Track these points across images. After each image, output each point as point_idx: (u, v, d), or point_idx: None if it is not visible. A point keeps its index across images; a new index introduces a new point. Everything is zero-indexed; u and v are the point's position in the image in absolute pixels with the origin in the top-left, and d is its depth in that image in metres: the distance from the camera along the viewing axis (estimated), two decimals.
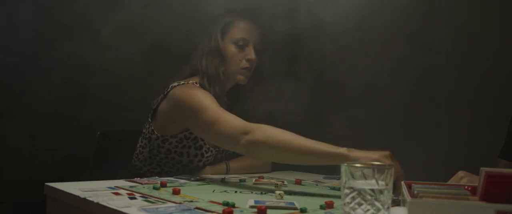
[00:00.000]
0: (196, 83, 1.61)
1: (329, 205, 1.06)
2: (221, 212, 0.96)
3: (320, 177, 1.73)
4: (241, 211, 1.00)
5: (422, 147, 1.80)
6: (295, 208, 1.04)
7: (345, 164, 0.85)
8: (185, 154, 1.61)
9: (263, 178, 1.60)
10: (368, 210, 0.82)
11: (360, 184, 0.83)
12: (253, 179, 1.54)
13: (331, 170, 1.70)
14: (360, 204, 0.82)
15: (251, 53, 1.61)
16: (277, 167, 1.97)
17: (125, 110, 2.19)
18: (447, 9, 1.79)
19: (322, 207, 1.07)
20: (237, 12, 1.65)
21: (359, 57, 2.02)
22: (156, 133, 1.63)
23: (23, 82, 2.22)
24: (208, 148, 1.63)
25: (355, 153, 1.23)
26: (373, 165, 0.84)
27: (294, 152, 1.30)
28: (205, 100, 1.49)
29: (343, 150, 1.25)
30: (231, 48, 1.61)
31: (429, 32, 1.83)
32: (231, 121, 1.41)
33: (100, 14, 2.28)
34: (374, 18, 1.94)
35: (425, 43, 1.84)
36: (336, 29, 2.04)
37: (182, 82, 1.59)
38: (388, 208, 0.83)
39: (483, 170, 0.88)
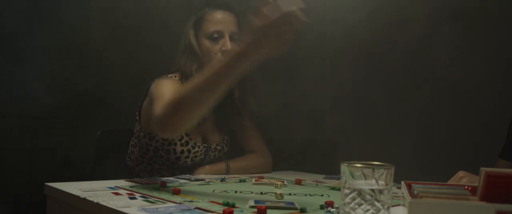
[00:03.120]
0: (175, 76, 1.58)
1: (329, 205, 1.06)
2: (221, 212, 0.97)
3: (320, 177, 1.73)
4: (241, 211, 1.00)
5: (422, 146, 1.80)
6: (295, 208, 1.04)
7: (345, 164, 0.85)
8: (172, 151, 1.59)
9: (263, 178, 1.60)
10: (368, 210, 0.82)
11: (360, 184, 0.83)
12: (253, 179, 1.54)
13: (331, 170, 1.70)
14: (360, 204, 0.82)
15: (226, 44, 1.55)
16: (277, 167, 1.97)
17: (125, 109, 2.19)
18: (446, 9, 1.79)
19: (322, 207, 1.07)
20: (209, 4, 1.60)
21: (359, 56, 2.02)
22: (143, 131, 1.62)
23: (23, 82, 2.22)
24: (195, 144, 1.63)
25: (246, 47, 1.04)
26: (373, 165, 0.84)
27: (200, 88, 1.14)
28: (166, 89, 1.44)
29: (234, 50, 1.08)
30: (206, 43, 1.57)
31: (429, 32, 1.83)
32: (158, 102, 1.34)
33: (99, 16, 2.29)
34: (373, 17, 1.94)
35: (425, 43, 1.84)
36: (334, 29, 2.04)
37: (163, 76, 1.57)
38: (388, 208, 0.83)
39: (483, 170, 0.88)
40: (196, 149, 1.63)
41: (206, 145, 1.68)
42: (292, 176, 1.71)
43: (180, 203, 1.07)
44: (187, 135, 1.61)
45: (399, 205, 1.11)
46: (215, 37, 1.57)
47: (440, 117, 1.79)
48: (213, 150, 1.71)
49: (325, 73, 2.12)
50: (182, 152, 1.60)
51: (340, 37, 2.05)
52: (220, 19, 1.57)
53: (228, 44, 1.55)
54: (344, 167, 0.85)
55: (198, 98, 1.15)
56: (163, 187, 1.31)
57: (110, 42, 2.22)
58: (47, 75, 2.21)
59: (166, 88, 1.47)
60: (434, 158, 1.75)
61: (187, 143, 1.61)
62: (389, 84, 1.93)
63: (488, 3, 1.69)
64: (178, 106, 1.17)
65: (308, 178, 1.68)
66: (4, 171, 2.23)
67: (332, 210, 1.03)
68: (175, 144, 1.59)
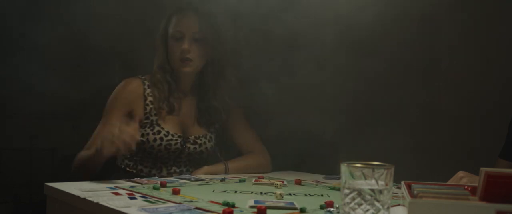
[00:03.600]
0: (144, 77, 1.76)
1: (329, 205, 1.06)
2: (221, 212, 0.97)
3: (320, 177, 1.73)
4: (241, 211, 1.00)
5: (422, 146, 1.80)
6: (295, 208, 1.04)
7: (345, 164, 0.85)
8: (146, 141, 1.69)
9: (263, 178, 1.60)
10: (368, 210, 0.82)
11: (360, 184, 0.83)
12: (253, 179, 1.54)
13: (331, 170, 1.70)
14: (360, 204, 0.82)
15: (184, 44, 1.70)
16: (277, 167, 1.97)
17: None
18: (447, 9, 1.79)
19: (322, 207, 1.07)
20: (179, 8, 1.77)
21: (359, 56, 2.02)
22: None
23: (23, 82, 2.22)
24: (168, 132, 1.71)
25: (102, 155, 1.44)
26: (372, 165, 0.84)
27: (87, 163, 1.53)
28: (113, 102, 1.71)
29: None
30: (171, 43, 1.74)
31: (429, 32, 1.83)
32: (94, 135, 1.65)
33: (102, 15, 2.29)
34: (373, 17, 1.94)
35: (425, 43, 1.84)
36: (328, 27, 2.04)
37: (131, 77, 1.76)
38: (388, 208, 0.83)
39: (483, 170, 0.88)
40: (170, 137, 1.71)
41: (181, 135, 1.74)
42: (292, 176, 1.71)
43: (180, 203, 1.07)
44: (158, 124, 1.71)
45: (399, 205, 1.11)
46: (178, 38, 1.72)
47: (440, 116, 1.79)
48: (192, 142, 1.75)
49: (325, 73, 2.12)
50: (154, 140, 1.68)
51: (340, 37, 2.05)
52: (182, 21, 1.73)
53: (186, 44, 1.70)
54: (344, 167, 0.85)
55: (85, 167, 1.55)
56: (163, 187, 1.31)
57: (111, 42, 2.22)
58: (47, 75, 2.21)
59: (110, 111, 1.71)
60: (434, 158, 1.75)
61: (159, 132, 1.70)
62: (389, 84, 1.93)
63: (488, 3, 1.69)
64: (76, 166, 1.58)
65: (308, 178, 1.68)
66: (4, 171, 2.23)
67: (332, 210, 1.03)
68: (148, 134, 1.69)
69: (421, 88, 1.85)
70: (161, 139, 1.69)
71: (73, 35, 2.26)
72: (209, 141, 1.81)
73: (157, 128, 1.70)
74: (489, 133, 1.64)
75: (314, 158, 2.03)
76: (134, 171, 1.73)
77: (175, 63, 1.74)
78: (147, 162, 1.73)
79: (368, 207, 0.82)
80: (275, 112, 2.14)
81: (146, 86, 1.74)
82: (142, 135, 1.68)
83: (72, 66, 2.28)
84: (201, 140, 1.78)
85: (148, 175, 1.71)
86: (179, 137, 1.73)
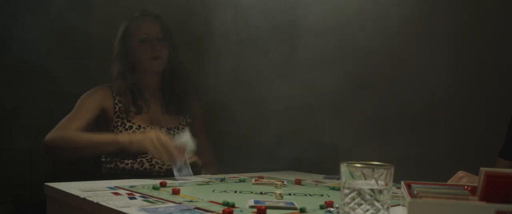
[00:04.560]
0: (109, 84, 1.85)
1: (329, 205, 1.06)
2: (221, 212, 0.97)
3: (320, 177, 1.73)
4: (241, 211, 1.00)
5: (422, 146, 1.80)
6: (295, 208, 1.04)
7: (345, 164, 0.85)
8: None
9: (263, 178, 1.60)
10: (367, 210, 0.82)
11: (360, 184, 0.83)
12: (253, 179, 1.54)
13: (331, 170, 1.70)
14: (359, 204, 0.82)
15: (154, 46, 1.82)
16: (277, 167, 1.97)
17: None
18: (446, 8, 1.79)
19: (322, 207, 1.07)
20: (134, 15, 1.90)
21: (359, 56, 2.02)
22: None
23: (23, 82, 2.22)
24: (139, 126, 1.80)
25: (123, 137, 1.63)
26: (372, 165, 0.84)
27: (79, 145, 1.63)
28: (84, 98, 1.80)
29: (113, 137, 1.65)
30: (136, 46, 1.83)
31: (428, 31, 1.83)
32: (68, 118, 1.73)
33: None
34: (373, 17, 1.94)
35: (424, 43, 1.84)
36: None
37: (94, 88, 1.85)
38: (388, 208, 0.83)
39: (483, 170, 0.88)
40: (142, 130, 1.79)
41: (153, 127, 1.81)
42: (292, 176, 1.71)
43: (180, 203, 1.07)
44: (128, 120, 1.80)
45: (399, 205, 1.11)
46: (144, 40, 1.83)
47: (439, 116, 1.79)
48: (165, 133, 1.79)
49: (325, 73, 2.12)
50: (129, 134, 1.75)
51: (340, 38, 2.05)
52: (146, 24, 1.85)
53: (155, 44, 1.82)
54: (344, 167, 0.85)
55: (79, 152, 1.68)
56: (163, 187, 1.31)
57: (111, 43, 2.23)
58: (47, 75, 2.20)
59: (82, 104, 1.79)
60: (434, 158, 1.75)
61: (130, 127, 1.79)
62: (389, 84, 1.93)
63: (488, 3, 1.69)
64: (63, 146, 1.64)
65: (308, 178, 1.68)
66: (4, 171, 2.23)
67: (332, 210, 1.03)
68: (121, 131, 1.78)
69: (421, 89, 1.85)
70: (134, 132, 1.77)
71: (72, 32, 2.26)
72: (182, 131, 1.86)
73: (128, 124, 1.79)
74: (489, 133, 1.63)
75: (314, 158, 2.03)
76: (117, 172, 1.75)
77: (145, 64, 1.84)
78: (128, 159, 1.76)
79: (368, 207, 0.82)
80: (275, 112, 2.14)
81: (113, 89, 1.84)
82: (115, 133, 1.76)
83: (72, 66, 2.28)
84: (174, 131, 1.87)
85: (131, 172, 1.74)
86: (151, 128, 1.79)
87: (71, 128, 1.69)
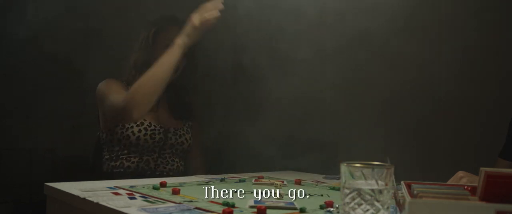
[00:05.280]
0: (123, 82, 1.85)
1: (329, 205, 1.06)
2: (221, 212, 0.97)
3: (320, 177, 1.73)
4: (241, 211, 1.00)
5: (422, 146, 1.80)
6: (295, 208, 1.04)
7: (345, 164, 0.85)
8: (131, 134, 1.78)
9: (263, 178, 1.60)
10: (367, 210, 0.82)
11: (360, 184, 0.83)
12: (253, 179, 1.54)
13: (331, 170, 1.70)
14: (359, 204, 0.82)
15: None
16: (277, 167, 1.97)
17: None
18: (446, 9, 1.79)
19: (322, 207, 1.07)
20: (167, 18, 1.92)
21: (356, 55, 2.02)
22: (103, 132, 1.85)
23: (23, 82, 2.22)
24: (151, 123, 1.82)
25: (178, 40, 1.68)
26: (372, 165, 0.84)
27: (157, 76, 1.66)
28: (114, 86, 1.80)
29: (173, 50, 1.68)
30: (162, 50, 1.78)
31: (429, 31, 1.83)
32: (115, 96, 1.72)
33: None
34: (365, 16, 1.94)
35: (425, 43, 1.84)
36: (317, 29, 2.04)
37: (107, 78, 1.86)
38: (388, 208, 0.83)
39: (483, 170, 0.88)
40: (153, 127, 1.81)
41: (162, 125, 1.85)
42: (292, 176, 1.71)
43: (180, 203, 1.07)
44: None
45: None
46: (167, 45, 1.79)
47: (440, 117, 1.79)
48: (173, 133, 1.87)
49: (325, 72, 2.12)
50: (139, 131, 1.78)
51: (340, 37, 2.05)
52: (171, 33, 1.82)
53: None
54: (344, 167, 0.85)
55: (156, 82, 1.67)
56: (163, 187, 1.31)
57: (111, 43, 2.23)
58: (46, 75, 2.21)
59: (114, 85, 1.80)
60: (434, 158, 1.75)
61: (142, 123, 1.80)
62: (389, 84, 1.93)
63: (489, 4, 1.69)
64: (142, 90, 1.64)
65: (308, 178, 1.68)
66: (4, 171, 2.23)
67: (332, 210, 1.03)
68: (132, 127, 1.78)
69: (421, 88, 1.85)
70: (146, 129, 1.79)
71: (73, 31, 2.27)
72: (187, 133, 1.92)
73: (140, 120, 1.79)
74: (489, 133, 1.64)
75: (314, 158, 2.03)
76: (121, 170, 1.77)
77: None
78: (134, 157, 1.79)
79: (368, 207, 0.82)
80: (275, 111, 2.14)
81: (124, 84, 1.85)
82: (127, 129, 1.78)
83: (72, 66, 2.28)
84: (180, 132, 1.90)
85: (136, 171, 1.77)
86: (161, 127, 1.84)
87: (124, 93, 1.70)
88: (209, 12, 1.65)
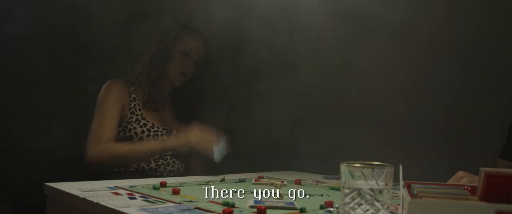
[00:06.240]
0: (124, 80, 1.86)
1: (329, 205, 1.06)
2: (221, 212, 0.97)
3: (320, 177, 1.73)
4: (241, 211, 1.00)
5: (422, 147, 1.80)
6: (295, 208, 1.04)
7: (345, 164, 0.85)
8: (134, 135, 1.79)
9: (263, 178, 1.60)
10: (367, 210, 0.82)
11: (360, 184, 0.83)
12: (253, 179, 1.54)
13: (331, 170, 1.70)
14: (359, 204, 0.82)
15: (191, 64, 1.88)
16: (277, 167, 1.97)
17: None
18: (446, 9, 1.79)
19: (322, 207, 1.07)
20: (188, 27, 1.94)
21: (360, 56, 2.02)
22: None
23: (23, 82, 2.22)
24: (153, 125, 1.84)
25: (170, 141, 1.72)
26: (372, 165, 0.84)
27: (130, 157, 1.73)
28: (105, 97, 1.79)
29: (162, 143, 1.73)
30: (176, 55, 1.87)
31: (429, 32, 1.83)
32: (99, 126, 1.73)
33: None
34: (369, 17, 1.94)
35: (424, 43, 1.84)
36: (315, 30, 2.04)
37: (111, 80, 1.86)
38: (388, 208, 0.83)
39: (483, 170, 0.88)
40: (155, 128, 1.83)
41: (164, 127, 1.86)
42: (292, 176, 1.71)
43: (180, 203, 1.07)
44: (143, 118, 1.83)
45: (399, 205, 1.10)
46: (186, 53, 1.88)
47: (440, 117, 1.79)
48: (174, 135, 1.86)
49: (325, 72, 2.12)
50: (142, 131, 1.80)
51: (341, 37, 2.05)
52: (194, 43, 1.89)
53: (192, 65, 1.88)
54: (344, 167, 0.85)
55: (129, 163, 1.77)
56: (163, 187, 1.31)
57: (112, 43, 2.22)
58: (46, 75, 2.20)
59: (114, 91, 1.80)
60: (434, 158, 1.75)
61: (145, 125, 1.82)
62: (389, 84, 1.93)
63: (489, 6, 1.69)
64: (114, 155, 1.69)
65: (308, 178, 1.68)
66: (4, 171, 2.23)
67: (332, 210, 1.03)
68: (135, 128, 1.80)
69: (421, 88, 1.85)
70: (149, 130, 1.81)
71: (74, 31, 2.27)
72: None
73: (142, 121, 1.82)
74: (489, 133, 1.64)
75: (313, 158, 2.03)
76: (122, 169, 1.77)
77: (172, 73, 1.87)
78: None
79: (368, 207, 0.82)
80: (274, 111, 2.14)
81: (129, 85, 1.86)
82: (130, 129, 1.79)
83: (72, 65, 2.28)
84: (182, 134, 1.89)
85: (137, 170, 1.77)
86: (164, 129, 1.86)
87: (105, 139, 1.71)
88: (206, 142, 1.67)
